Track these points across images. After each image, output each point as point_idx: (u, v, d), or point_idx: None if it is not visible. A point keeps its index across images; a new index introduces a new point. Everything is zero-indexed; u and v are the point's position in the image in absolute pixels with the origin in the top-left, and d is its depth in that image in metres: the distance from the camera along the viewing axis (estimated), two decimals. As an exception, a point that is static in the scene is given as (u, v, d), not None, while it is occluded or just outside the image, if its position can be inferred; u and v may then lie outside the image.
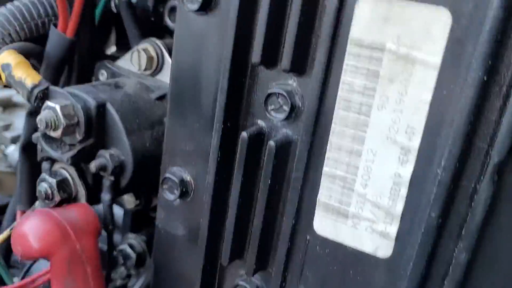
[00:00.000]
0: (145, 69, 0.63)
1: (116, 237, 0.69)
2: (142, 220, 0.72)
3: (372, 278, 0.42)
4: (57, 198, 0.54)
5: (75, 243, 0.52)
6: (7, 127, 1.05)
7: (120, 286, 0.69)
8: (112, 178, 0.54)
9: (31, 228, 0.51)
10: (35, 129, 0.67)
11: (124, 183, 0.55)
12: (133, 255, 0.67)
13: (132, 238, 0.69)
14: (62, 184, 0.54)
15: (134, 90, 0.58)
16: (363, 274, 0.42)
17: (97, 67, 0.68)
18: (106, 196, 0.55)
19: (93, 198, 0.56)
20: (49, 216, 0.52)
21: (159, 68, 0.64)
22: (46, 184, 0.54)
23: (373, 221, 0.41)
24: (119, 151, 0.54)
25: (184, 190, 0.50)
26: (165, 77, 0.63)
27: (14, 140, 1.04)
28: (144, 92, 0.58)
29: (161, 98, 0.59)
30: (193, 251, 0.52)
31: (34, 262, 0.63)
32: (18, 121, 1.08)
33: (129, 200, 0.66)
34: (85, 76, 0.69)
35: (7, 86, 0.60)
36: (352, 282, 0.43)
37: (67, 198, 0.55)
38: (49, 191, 0.54)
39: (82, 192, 0.55)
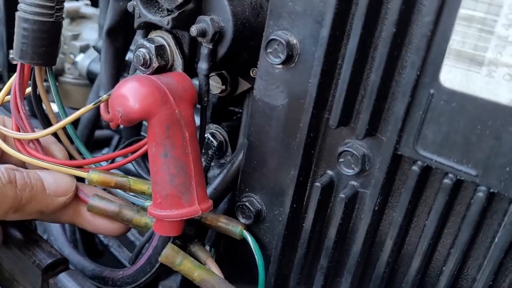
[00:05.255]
0: None
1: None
2: (223, 113, 0.70)
3: (504, 132, 0.39)
4: (155, 64, 0.52)
5: (174, 107, 0.50)
6: (75, 37, 1.05)
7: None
8: (210, 46, 0.52)
9: (131, 90, 0.50)
10: (121, 12, 0.66)
11: (221, 53, 0.53)
12: (214, 143, 0.67)
13: (213, 128, 0.68)
14: (160, 51, 0.53)
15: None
16: (493, 129, 0.40)
17: None
18: (203, 65, 0.53)
19: (189, 69, 0.55)
20: (148, 79, 0.51)
21: None
22: (144, 49, 0.52)
23: (512, 66, 0.38)
24: (219, 17, 0.52)
25: (289, 53, 0.48)
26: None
27: (83, 49, 1.04)
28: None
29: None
30: (294, 121, 0.51)
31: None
32: (86, 32, 1.08)
33: (215, 85, 0.64)
34: None
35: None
36: (479, 138, 0.41)
37: (164, 65, 0.53)
38: (147, 57, 0.52)
39: (179, 61, 0.54)
